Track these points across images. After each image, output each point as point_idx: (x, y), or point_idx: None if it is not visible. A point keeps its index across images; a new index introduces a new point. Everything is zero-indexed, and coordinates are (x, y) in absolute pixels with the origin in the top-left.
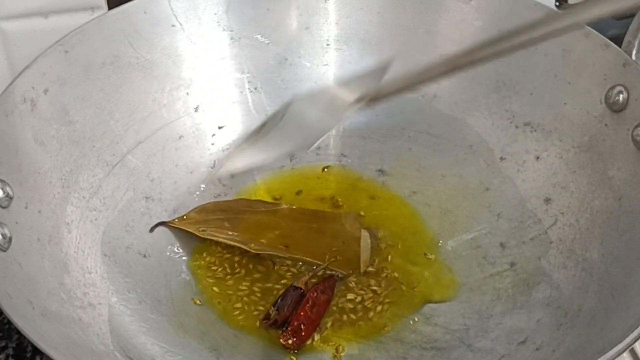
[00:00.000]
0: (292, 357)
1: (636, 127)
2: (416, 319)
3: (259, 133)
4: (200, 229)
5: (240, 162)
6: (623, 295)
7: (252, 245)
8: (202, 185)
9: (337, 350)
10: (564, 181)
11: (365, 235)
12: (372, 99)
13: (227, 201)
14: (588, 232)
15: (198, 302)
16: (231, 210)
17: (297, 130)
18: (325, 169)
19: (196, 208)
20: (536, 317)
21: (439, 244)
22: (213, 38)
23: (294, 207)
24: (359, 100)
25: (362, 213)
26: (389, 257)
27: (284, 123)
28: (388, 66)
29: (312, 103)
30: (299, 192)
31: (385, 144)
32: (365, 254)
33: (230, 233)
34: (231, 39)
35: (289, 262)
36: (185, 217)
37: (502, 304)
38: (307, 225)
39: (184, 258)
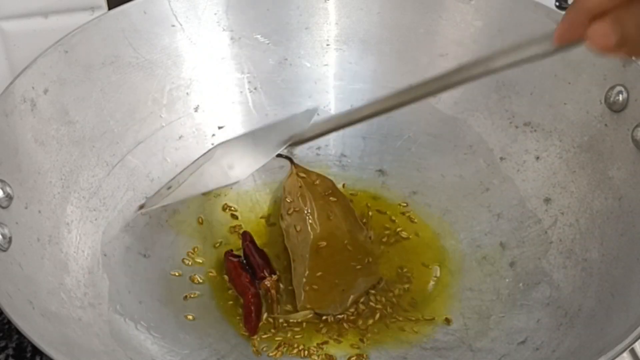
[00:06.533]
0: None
1: (636, 127)
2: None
3: (179, 177)
4: None
5: (159, 201)
6: (623, 295)
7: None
8: None
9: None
10: (564, 181)
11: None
12: (296, 142)
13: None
14: (588, 232)
15: (193, 296)
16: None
17: (220, 171)
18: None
19: None
20: (536, 317)
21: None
22: (213, 38)
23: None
24: (283, 143)
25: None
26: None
27: (205, 167)
28: (314, 112)
29: (236, 148)
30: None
31: (385, 144)
32: (356, 293)
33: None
34: (231, 39)
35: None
36: None
37: (502, 304)
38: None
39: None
